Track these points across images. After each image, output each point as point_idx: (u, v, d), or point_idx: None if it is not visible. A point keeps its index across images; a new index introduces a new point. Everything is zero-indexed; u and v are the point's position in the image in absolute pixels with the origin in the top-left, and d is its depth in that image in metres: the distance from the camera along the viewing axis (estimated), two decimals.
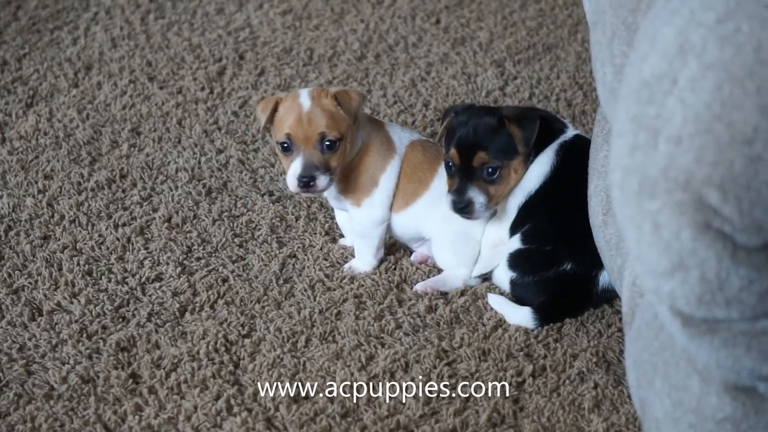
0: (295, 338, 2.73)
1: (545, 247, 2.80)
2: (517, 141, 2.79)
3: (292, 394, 2.54)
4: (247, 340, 2.72)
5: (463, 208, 2.83)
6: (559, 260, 2.78)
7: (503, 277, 2.86)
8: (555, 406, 2.52)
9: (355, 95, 2.83)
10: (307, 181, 2.75)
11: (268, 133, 2.99)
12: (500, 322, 2.77)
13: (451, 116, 2.90)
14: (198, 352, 2.68)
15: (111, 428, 2.47)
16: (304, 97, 2.81)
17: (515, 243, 2.84)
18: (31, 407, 2.52)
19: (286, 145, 2.79)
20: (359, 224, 2.96)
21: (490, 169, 2.82)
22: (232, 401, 2.53)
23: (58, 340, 2.73)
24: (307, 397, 2.54)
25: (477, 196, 2.82)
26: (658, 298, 1.84)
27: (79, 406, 2.53)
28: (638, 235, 1.79)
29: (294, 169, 2.77)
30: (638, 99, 1.74)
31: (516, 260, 2.83)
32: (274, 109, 2.82)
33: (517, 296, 2.83)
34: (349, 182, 2.93)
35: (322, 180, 2.76)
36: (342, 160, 2.83)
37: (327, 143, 2.77)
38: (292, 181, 2.77)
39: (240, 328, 2.76)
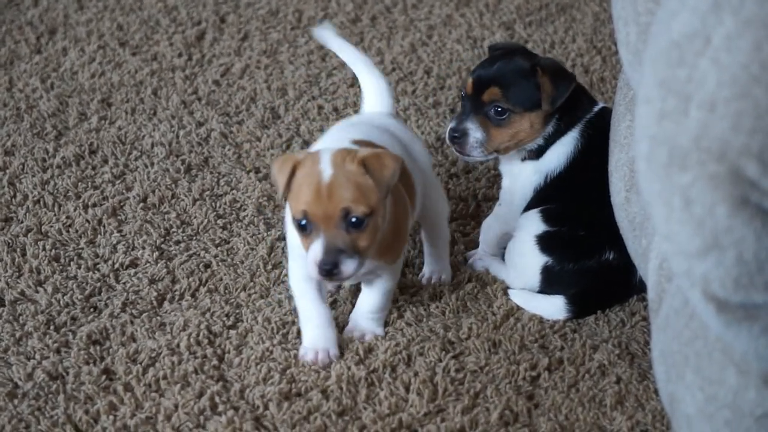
0: (285, 329, 2.74)
1: (578, 231, 2.81)
2: (543, 96, 2.81)
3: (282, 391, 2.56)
4: (232, 332, 2.73)
5: (456, 137, 2.87)
6: (600, 248, 2.79)
7: (532, 261, 2.85)
8: (573, 402, 2.53)
9: (390, 161, 2.49)
10: (329, 269, 2.45)
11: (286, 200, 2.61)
12: (512, 311, 2.79)
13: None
14: (178, 345, 2.69)
15: (82, 429, 2.47)
16: (325, 162, 2.47)
17: (537, 223, 2.84)
18: None
19: (302, 223, 2.48)
20: (394, 280, 2.76)
21: (499, 108, 2.84)
22: (217, 399, 2.54)
23: (22, 332, 2.73)
24: (299, 393, 2.55)
25: (474, 130, 2.86)
26: (689, 281, 1.84)
27: (47, 405, 2.53)
28: (667, 212, 1.79)
29: (313, 253, 2.46)
30: (667, 61, 1.74)
31: (550, 244, 2.83)
32: (292, 173, 2.50)
33: (548, 284, 2.83)
34: (381, 245, 2.61)
35: (348, 265, 2.45)
36: (373, 239, 2.50)
37: (353, 221, 2.45)
38: (312, 268, 2.46)
39: (225, 319, 2.77)
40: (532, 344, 2.69)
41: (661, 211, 1.81)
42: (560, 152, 2.87)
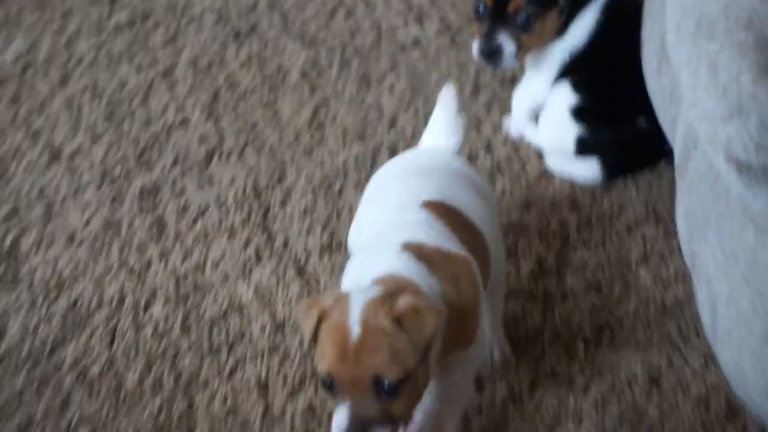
0: (327, 185, 2.79)
1: (610, 100, 2.82)
2: None
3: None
4: (278, 187, 2.79)
5: (490, 54, 2.83)
6: (633, 115, 2.80)
7: (567, 132, 2.85)
8: (601, 258, 2.58)
9: (431, 318, 1.92)
10: None
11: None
12: (544, 173, 2.83)
13: None
14: (226, 199, 2.75)
15: (136, 273, 2.55)
16: (354, 317, 1.90)
17: (569, 94, 2.85)
18: (52, 251, 2.59)
19: (327, 383, 1.93)
20: (472, 368, 2.20)
21: (525, 15, 2.82)
22: (262, 249, 2.60)
23: (79, 184, 2.80)
24: (339, 245, 2.60)
25: (507, 43, 2.82)
26: (713, 145, 1.87)
27: (103, 251, 2.61)
28: (694, 80, 1.80)
29: (338, 421, 1.92)
30: None
31: (584, 115, 2.85)
32: (319, 322, 1.96)
33: (583, 151, 2.84)
34: (450, 336, 2.05)
35: None
36: (412, 404, 1.96)
37: (385, 387, 1.90)
38: None
39: (270, 175, 2.82)
40: (562, 204, 2.73)
41: (688, 79, 1.82)
42: (581, 27, 2.86)
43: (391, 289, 1.95)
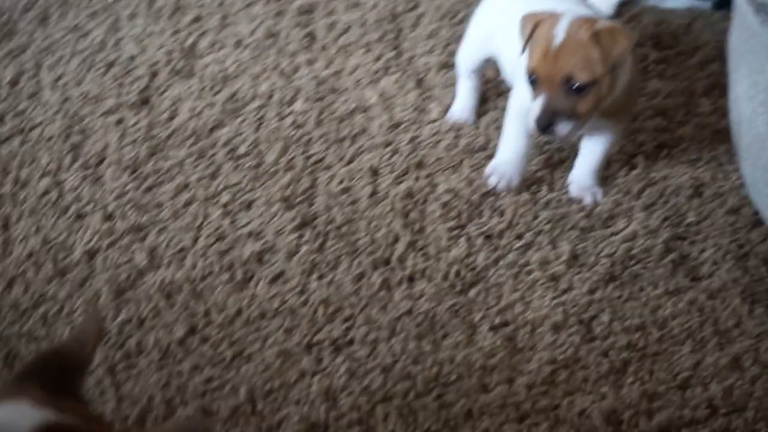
0: (452, 14, 2.92)
1: None
2: None
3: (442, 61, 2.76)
4: (411, 13, 2.92)
5: None
6: None
7: None
8: (671, 88, 2.66)
9: (623, 39, 2.20)
10: (544, 127, 2.22)
11: None
12: (635, 15, 2.90)
13: None
14: (367, 20, 2.90)
15: (285, 76, 2.75)
16: (560, 28, 2.19)
17: None
18: (222, 52, 2.81)
19: (531, 79, 2.24)
20: (618, 141, 2.46)
21: None
22: (390, 63, 2.76)
23: None
24: (455, 65, 2.69)
25: None
26: None
27: (261, 55, 2.80)
28: None
29: (533, 109, 2.22)
30: None
31: None
32: (532, 31, 2.24)
33: None
34: (614, 106, 2.33)
35: (562, 126, 2.21)
36: (593, 106, 2.23)
37: (574, 86, 2.19)
38: (530, 121, 2.24)
39: (406, 3, 2.96)
40: (647, 41, 2.80)
41: None
42: None
43: (595, 16, 2.26)
